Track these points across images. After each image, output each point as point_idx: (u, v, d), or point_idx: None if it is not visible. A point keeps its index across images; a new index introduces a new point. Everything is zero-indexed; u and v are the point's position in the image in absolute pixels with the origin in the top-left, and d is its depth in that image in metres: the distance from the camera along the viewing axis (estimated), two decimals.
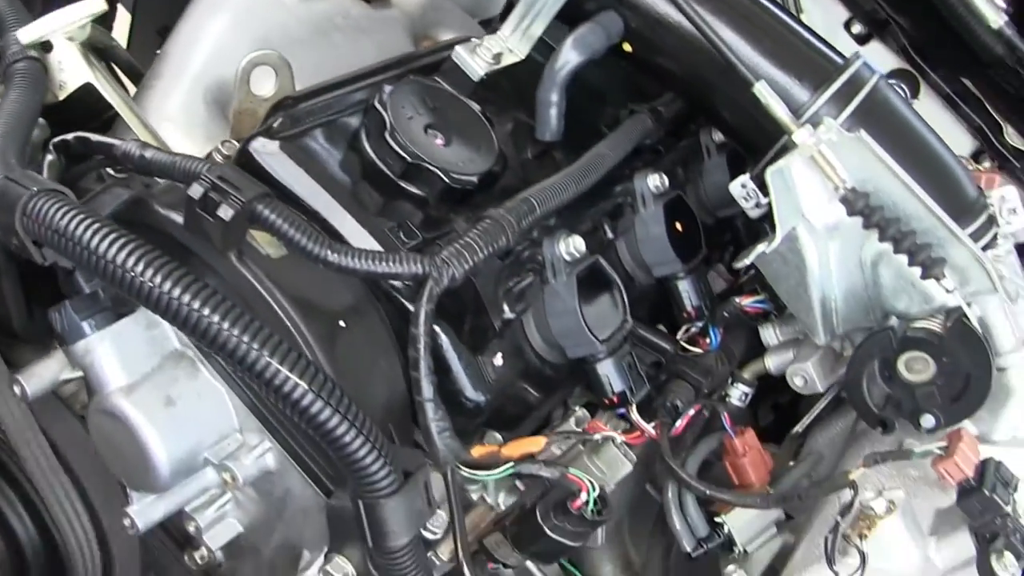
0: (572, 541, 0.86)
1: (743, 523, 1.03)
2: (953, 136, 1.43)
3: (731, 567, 1.02)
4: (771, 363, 1.13)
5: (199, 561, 1.06)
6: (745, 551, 1.03)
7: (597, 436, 0.97)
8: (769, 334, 1.14)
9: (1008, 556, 0.86)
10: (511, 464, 0.86)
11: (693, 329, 1.13)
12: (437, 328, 0.91)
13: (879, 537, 0.89)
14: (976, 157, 1.45)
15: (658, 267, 1.11)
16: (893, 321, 1.00)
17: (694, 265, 1.12)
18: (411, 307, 0.87)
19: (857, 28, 1.48)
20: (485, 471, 0.86)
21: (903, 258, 0.97)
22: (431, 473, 0.83)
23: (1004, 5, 1.27)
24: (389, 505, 0.77)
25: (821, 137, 0.98)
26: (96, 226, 0.76)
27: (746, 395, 1.15)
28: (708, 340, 1.12)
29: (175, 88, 1.19)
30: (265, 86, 1.17)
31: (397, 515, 0.77)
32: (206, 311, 0.73)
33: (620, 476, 0.97)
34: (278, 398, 0.75)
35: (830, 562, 0.89)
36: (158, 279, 0.74)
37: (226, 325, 0.73)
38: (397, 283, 0.92)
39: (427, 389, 0.83)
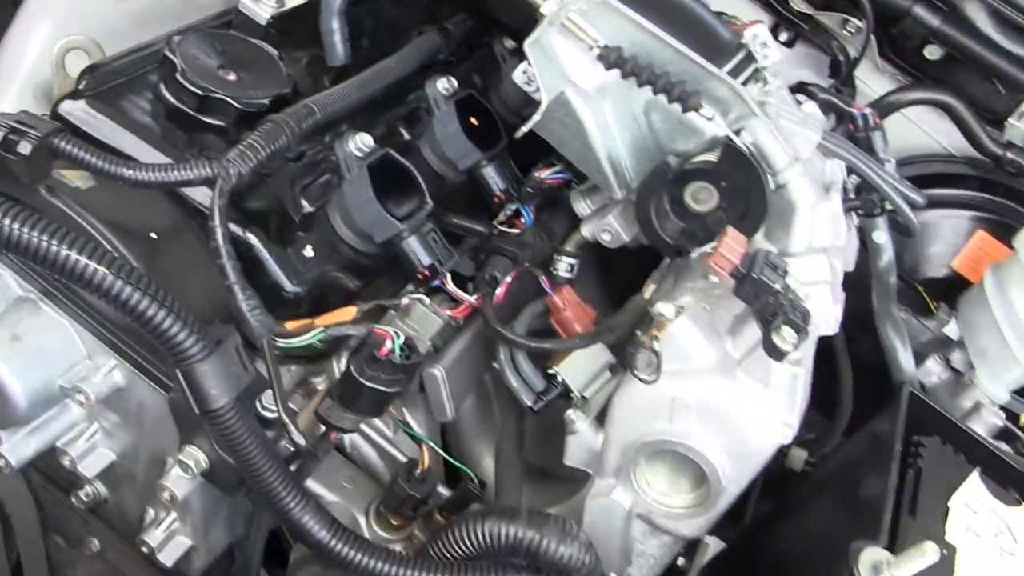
0: (389, 388, 0.95)
1: (575, 370, 1.13)
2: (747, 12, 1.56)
3: (570, 411, 1.12)
4: (586, 230, 1.24)
5: (85, 499, 1.14)
6: (583, 396, 1.13)
7: (404, 300, 1.06)
8: (581, 205, 1.24)
9: (787, 330, 0.96)
10: (321, 328, 0.96)
11: (508, 212, 1.23)
12: (242, 230, 1.02)
13: (673, 338, 0.99)
14: (775, 31, 1.58)
15: (461, 160, 1.21)
16: (670, 159, 1.11)
17: (495, 153, 1.22)
18: None
19: None
20: (298, 339, 0.96)
21: (663, 99, 1.08)
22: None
23: None
24: (202, 368, 0.86)
25: (569, 6, 1.09)
26: None
27: (572, 266, 1.25)
28: (523, 221, 1.23)
29: (7, 91, 1.31)
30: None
31: (212, 377, 0.87)
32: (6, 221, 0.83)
33: (433, 331, 1.07)
34: (88, 288, 0.84)
35: (631, 368, 0.99)
36: None
37: (26, 230, 0.82)
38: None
39: (231, 273, 0.93)
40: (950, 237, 1.47)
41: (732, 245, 0.99)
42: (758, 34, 1.18)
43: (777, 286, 0.97)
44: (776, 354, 0.96)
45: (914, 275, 1.49)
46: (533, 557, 1.00)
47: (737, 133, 1.10)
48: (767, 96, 1.18)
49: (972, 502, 1.06)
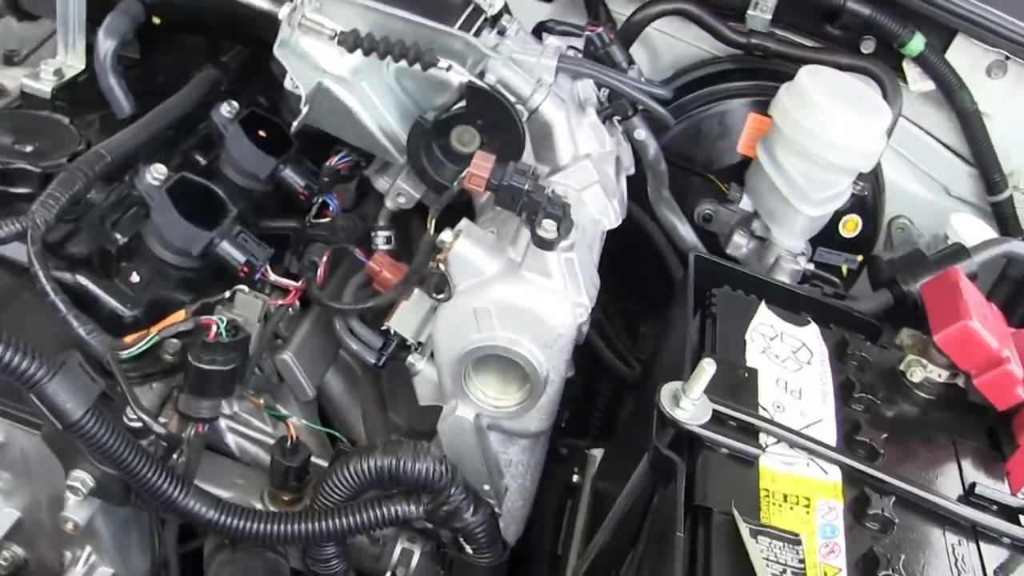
0: (225, 366, 1.10)
1: (404, 321, 1.28)
2: None
3: (410, 357, 1.27)
4: (389, 203, 1.40)
5: (4, 564, 1.27)
6: (419, 342, 1.28)
7: (226, 293, 1.21)
8: (380, 182, 1.41)
9: (547, 222, 1.11)
10: (155, 334, 1.11)
11: (315, 204, 1.39)
12: (71, 274, 1.16)
13: (456, 256, 1.14)
14: None
15: (260, 170, 1.36)
16: (428, 114, 1.27)
17: (287, 157, 1.38)
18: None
19: None
20: (136, 347, 1.10)
21: (404, 64, 1.25)
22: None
23: None
24: (51, 387, 0.99)
25: (303, 6, 1.25)
26: None
27: (388, 238, 1.42)
28: (331, 210, 1.39)
29: None
30: None
31: (63, 393, 1.00)
32: None
33: (257, 313, 1.22)
34: None
35: (429, 293, 1.14)
36: None
37: None
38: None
39: (61, 307, 1.07)
40: (735, 126, 1.65)
41: (481, 163, 1.15)
42: None
43: (526, 187, 1.14)
44: (545, 245, 1.12)
45: (710, 168, 1.66)
46: (395, 481, 1.14)
47: (481, 76, 1.27)
48: (504, 40, 1.35)
49: (766, 330, 1.22)
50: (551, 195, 1.15)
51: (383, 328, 1.28)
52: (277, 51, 1.25)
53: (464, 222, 1.18)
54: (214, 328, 1.09)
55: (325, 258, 1.30)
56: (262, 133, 1.37)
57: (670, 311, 1.36)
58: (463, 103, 1.25)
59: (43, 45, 1.53)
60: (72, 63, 1.36)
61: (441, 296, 1.13)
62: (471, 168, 1.14)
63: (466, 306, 1.15)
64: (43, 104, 1.33)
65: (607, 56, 1.45)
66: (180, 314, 1.15)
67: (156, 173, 1.22)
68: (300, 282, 1.29)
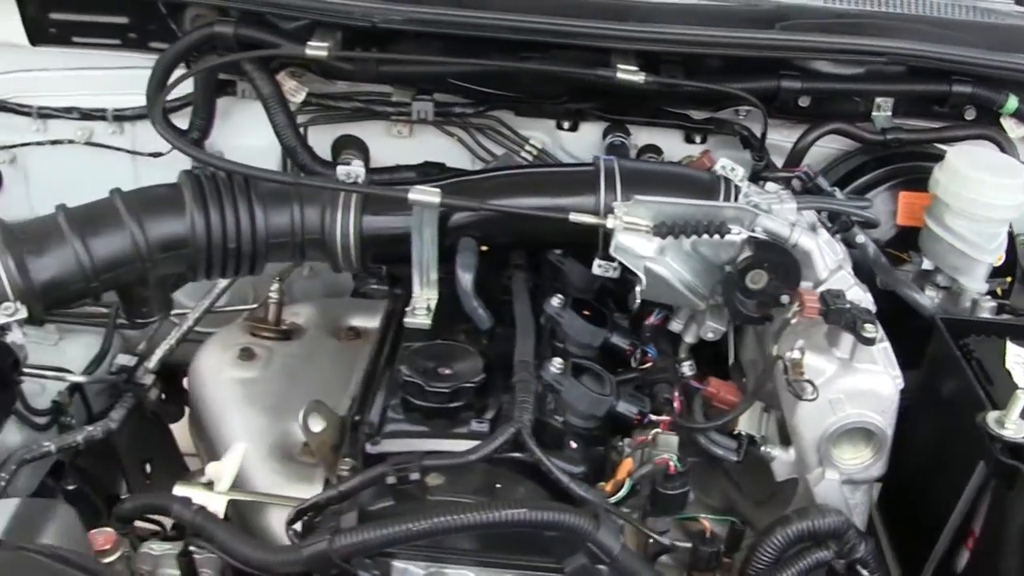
0: (682, 489, 1.57)
1: (748, 424, 1.76)
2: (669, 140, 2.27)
3: (763, 448, 1.73)
4: (689, 338, 1.89)
5: None
6: (763, 436, 1.75)
7: (650, 434, 1.67)
8: (675, 325, 1.90)
9: (868, 326, 1.60)
10: (630, 481, 1.57)
11: (637, 356, 1.87)
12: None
13: (808, 367, 1.63)
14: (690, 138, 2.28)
15: (594, 340, 1.84)
16: (726, 268, 1.76)
17: (612, 324, 1.86)
18: None
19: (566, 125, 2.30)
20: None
21: (704, 237, 1.73)
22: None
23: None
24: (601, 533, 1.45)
25: (620, 215, 1.74)
26: None
27: (691, 365, 1.90)
28: (650, 356, 1.87)
29: None
30: None
31: (607, 535, 1.45)
32: None
33: (673, 445, 1.68)
34: None
35: (802, 398, 1.61)
36: None
37: None
38: None
39: (565, 479, 1.53)
40: (884, 208, 2.16)
41: (811, 297, 1.65)
42: (725, 164, 1.85)
43: (847, 306, 1.63)
44: (869, 342, 1.61)
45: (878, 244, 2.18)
46: (812, 536, 1.60)
47: (752, 231, 1.76)
48: (750, 197, 1.86)
49: (1019, 359, 1.72)
50: (856, 306, 1.65)
51: (735, 433, 1.76)
52: (613, 251, 1.73)
53: (800, 342, 1.66)
54: (672, 463, 1.56)
55: (677, 392, 1.78)
56: (586, 312, 1.85)
57: (926, 362, 1.85)
58: (749, 253, 1.74)
59: None
60: (430, 296, 1.83)
61: (812, 397, 1.61)
62: (806, 302, 1.63)
63: (823, 399, 1.63)
64: (428, 334, 1.79)
65: (816, 187, 1.97)
66: (629, 462, 1.61)
67: (556, 365, 1.69)
68: (664, 416, 1.76)
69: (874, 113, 2.18)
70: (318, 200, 1.85)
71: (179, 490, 1.69)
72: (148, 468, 2.52)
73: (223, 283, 2.26)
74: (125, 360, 2.29)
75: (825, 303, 1.64)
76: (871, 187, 2.18)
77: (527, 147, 2.25)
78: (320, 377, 2.01)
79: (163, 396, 2.41)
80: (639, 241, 1.74)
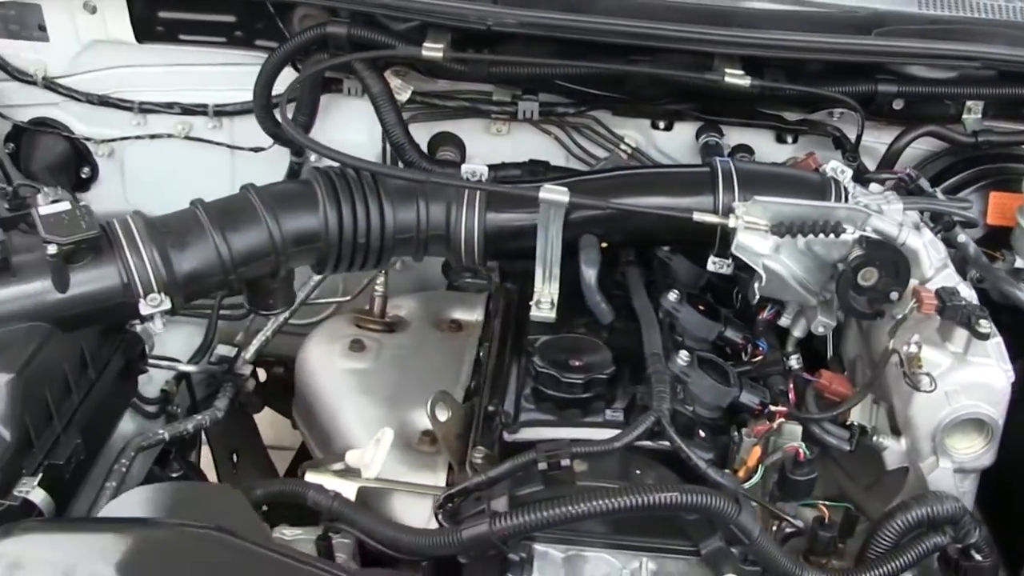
0: (811, 475, 1.68)
1: (859, 415, 1.86)
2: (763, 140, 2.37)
3: (875, 438, 1.83)
4: (797, 332, 1.99)
5: None
6: (874, 427, 1.85)
7: (776, 423, 1.77)
8: (784, 320, 2.00)
9: (983, 322, 1.70)
10: (761, 467, 1.67)
11: (750, 349, 1.97)
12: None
13: (926, 360, 1.73)
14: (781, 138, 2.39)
15: (709, 334, 1.94)
16: (839, 266, 1.86)
17: (725, 318, 1.96)
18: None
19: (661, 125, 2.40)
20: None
21: (820, 236, 1.83)
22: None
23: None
24: (743, 516, 1.55)
25: (740, 215, 1.84)
26: None
27: (799, 358, 1.99)
28: (761, 349, 1.97)
29: None
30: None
31: (747, 517, 1.55)
32: None
33: (797, 434, 1.78)
34: None
35: (920, 390, 1.71)
36: None
37: None
38: None
39: (702, 465, 1.63)
40: (976, 207, 2.26)
41: (928, 294, 1.75)
42: (835, 167, 1.96)
43: (963, 303, 1.74)
44: (983, 337, 1.72)
45: None
46: (930, 522, 1.70)
47: (864, 230, 1.86)
48: (859, 197, 1.96)
49: None
50: (970, 303, 1.75)
51: (847, 423, 1.86)
52: (735, 249, 1.83)
53: (916, 336, 1.76)
54: (801, 451, 1.67)
55: (791, 384, 1.88)
56: (701, 307, 1.95)
57: None
58: (860, 252, 1.84)
59: None
60: (552, 291, 1.92)
61: (931, 389, 1.71)
62: (923, 300, 1.73)
63: (938, 392, 1.73)
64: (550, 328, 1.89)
65: (918, 188, 2.07)
66: (758, 450, 1.72)
67: (682, 357, 1.79)
68: (782, 407, 1.86)
69: (964, 116, 2.28)
70: (443, 197, 1.95)
71: (311, 477, 1.80)
72: (235, 458, 2.62)
73: (317, 277, 2.35)
74: (225, 351, 2.39)
75: (941, 300, 1.74)
76: (960, 188, 2.28)
77: (622, 146, 2.35)
78: (430, 367, 2.11)
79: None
80: (757, 240, 1.84)
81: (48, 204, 1.76)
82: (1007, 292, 2.05)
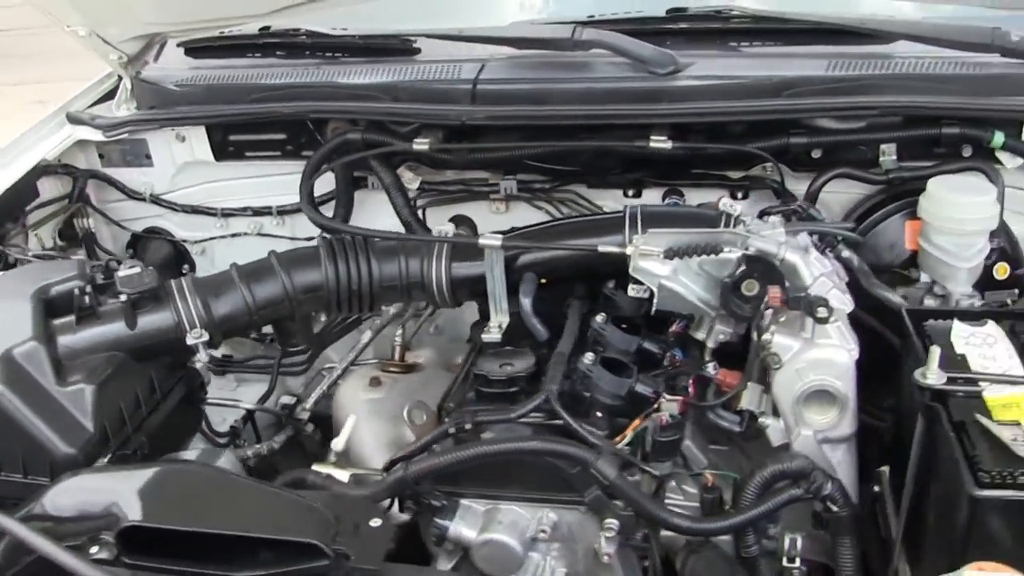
0: (673, 437, 2.29)
1: (749, 401, 2.44)
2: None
3: (759, 419, 2.42)
4: (709, 342, 2.60)
5: None
6: (761, 412, 2.44)
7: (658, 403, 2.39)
8: (699, 334, 2.61)
9: (821, 308, 2.28)
10: (631, 433, 2.30)
11: (667, 358, 2.60)
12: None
13: (779, 345, 2.31)
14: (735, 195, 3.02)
15: (629, 347, 2.58)
16: (724, 280, 2.47)
17: (645, 334, 2.60)
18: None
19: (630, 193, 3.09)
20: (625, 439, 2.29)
21: (704, 256, 2.46)
22: None
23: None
24: (600, 462, 2.18)
25: (639, 246, 2.49)
26: None
27: (715, 365, 2.59)
28: (677, 357, 2.60)
29: None
30: None
31: (608, 465, 2.18)
32: None
33: (672, 410, 2.39)
34: None
35: (773, 370, 2.30)
36: None
37: None
38: None
39: (586, 435, 2.28)
40: (896, 235, 2.83)
41: (776, 292, 2.35)
42: (725, 202, 2.60)
43: (802, 295, 2.33)
44: (823, 321, 2.30)
45: (894, 266, 2.83)
46: (786, 476, 2.26)
47: (746, 249, 2.48)
48: (749, 226, 2.58)
49: (962, 332, 2.34)
50: (814, 296, 2.34)
51: (738, 410, 2.45)
52: (632, 272, 2.48)
53: (774, 327, 2.36)
54: (664, 418, 2.29)
55: (692, 381, 2.50)
56: (623, 326, 2.61)
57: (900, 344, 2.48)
58: (743, 267, 2.46)
59: None
60: (502, 321, 2.63)
61: (777, 367, 2.30)
62: (771, 295, 2.34)
63: (791, 369, 2.31)
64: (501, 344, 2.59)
65: (809, 216, 2.68)
66: (637, 422, 2.34)
67: (587, 357, 2.44)
68: (682, 397, 2.47)
69: (881, 158, 2.86)
70: (418, 253, 2.71)
71: (316, 467, 2.54)
72: None
73: (364, 340, 3.14)
74: (287, 399, 3.21)
75: (785, 294, 2.34)
76: (885, 218, 2.86)
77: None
78: (432, 396, 2.83)
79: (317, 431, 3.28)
80: (654, 264, 2.49)
81: (126, 269, 2.61)
82: (876, 294, 2.61)
